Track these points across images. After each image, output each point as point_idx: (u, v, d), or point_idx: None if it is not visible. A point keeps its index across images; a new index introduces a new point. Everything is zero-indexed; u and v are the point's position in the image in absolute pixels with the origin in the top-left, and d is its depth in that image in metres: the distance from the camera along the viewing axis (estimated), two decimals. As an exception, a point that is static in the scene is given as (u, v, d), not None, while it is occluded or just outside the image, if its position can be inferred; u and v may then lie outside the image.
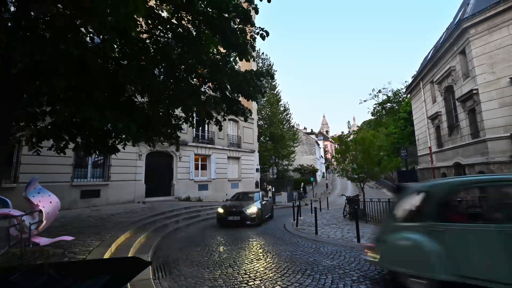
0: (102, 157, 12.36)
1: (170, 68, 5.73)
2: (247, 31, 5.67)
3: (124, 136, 5.87)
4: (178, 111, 6.76)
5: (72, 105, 4.38)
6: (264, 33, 5.42)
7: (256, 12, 5.51)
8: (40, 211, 2.92)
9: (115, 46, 5.19)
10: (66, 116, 4.79)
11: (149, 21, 5.32)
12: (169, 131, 6.82)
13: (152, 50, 5.40)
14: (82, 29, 3.95)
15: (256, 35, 5.59)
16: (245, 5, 5.53)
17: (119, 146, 6.51)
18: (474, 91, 11.62)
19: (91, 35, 4.26)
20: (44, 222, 2.92)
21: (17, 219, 2.90)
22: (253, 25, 5.55)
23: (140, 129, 5.77)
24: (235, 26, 5.40)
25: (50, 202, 3.08)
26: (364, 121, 52.46)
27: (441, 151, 15.89)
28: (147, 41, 5.42)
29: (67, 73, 3.86)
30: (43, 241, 3.03)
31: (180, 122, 7.07)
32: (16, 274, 1.30)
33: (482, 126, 11.40)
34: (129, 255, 5.49)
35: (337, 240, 7.46)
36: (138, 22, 5.26)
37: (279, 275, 4.55)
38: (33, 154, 5.61)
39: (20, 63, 3.71)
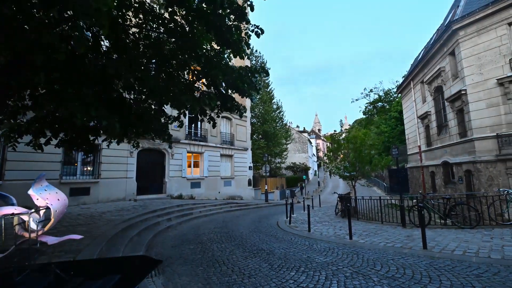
0: (92, 154, 12.09)
1: (162, 63, 5.62)
2: (242, 28, 5.61)
3: (108, 133, 5.73)
4: (170, 108, 6.66)
5: (56, 100, 4.23)
6: (259, 31, 5.36)
7: (252, 9, 5.45)
8: (48, 209, 2.80)
9: (106, 41, 5.08)
10: (48, 111, 4.62)
11: (140, 15, 5.20)
12: (160, 128, 6.71)
13: (142, 45, 5.28)
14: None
15: (251, 33, 5.54)
16: (240, 1, 5.47)
17: (104, 143, 6.39)
18: (463, 92, 11.91)
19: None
20: (53, 220, 2.80)
21: (23, 217, 2.78)
22: (248, 22, 5.49)
23: (129, 126, 5.65)
24: (230, 23, 5.33)
25: (58, 199, 2.95)
26: (355, 120, 53.07)
27: (430, 150, 16.26)
28: (137, 35, 5.30)
29: (48, 67, 3.71)
30: (50, 240, 2.91)
31: (171, 121, 6.96)
32: (23, 274, 1.27)
33: (469, 126, 11.70)
34: (121, 254, 5.42)
35: (330, 237, 7.55)
36: (127, 17, 5.16)
37: (274, 272, 4.57)
38: (9, 149, 5.40)
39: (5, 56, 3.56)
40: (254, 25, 5.38)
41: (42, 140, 5.46)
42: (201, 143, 17.91)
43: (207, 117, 6.60)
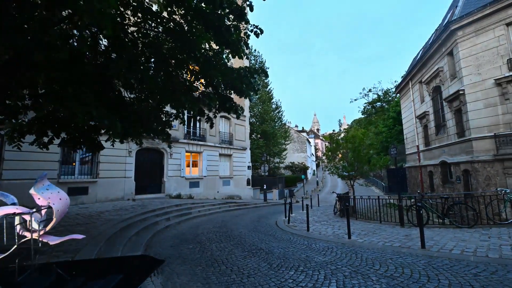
0: (90, 154, 12.06)
1: (161, 63, 5.61)
2: (241, 28, 5.61)
3: (110, 132, 5.73)
4: (169, 107, 6.66)
5: (56, 99, 4.21)
6: (258, 31, 5.37)
7: (251, 9, 5.45)
8: (50, 208, 2.78)
9: (104, 40, 5.06)
10: (48, 111, 4.59)
11: (139, 15, 5.19)
12: (159, 128, 6.71)
13: (141, 44, 5.27)
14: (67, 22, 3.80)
15: (250, 33, 5.54)
16: (239, 1, 5.47)
17: (107, 143, 6.36)
18: (461, 92, 11.96)
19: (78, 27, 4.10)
20: (54, 219, 2.78)
21: (24, 217, 2.77)
22: (247, 22, 5.49)
23: (129, 125, 5.64)
24: (229, 23, 5.33)
25: (60, 199, 2.93)
26: (354, 120, 53.21)
27: (428, 149, 16.32)
28: (135, 34, 5.29)
29: (47, 66, 3.69)
30: (52, 239, 2.88)
31: (171, 119, 6.96)
32: (25, 274, 1.27)
33: (467, 126, 11.76)
34: (119, 254, 5.41)
35: (329, 236, 7.57)
36: (126, 15, 5.15)
37: (273, 272, 4.58)
38: (13, 148, 5.36)
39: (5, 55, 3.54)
40: (253, 25, 5.39)
41: (44, 140, 5.45)
42: (200, 142, 17.90)
43: (205, 117, 6.60)
